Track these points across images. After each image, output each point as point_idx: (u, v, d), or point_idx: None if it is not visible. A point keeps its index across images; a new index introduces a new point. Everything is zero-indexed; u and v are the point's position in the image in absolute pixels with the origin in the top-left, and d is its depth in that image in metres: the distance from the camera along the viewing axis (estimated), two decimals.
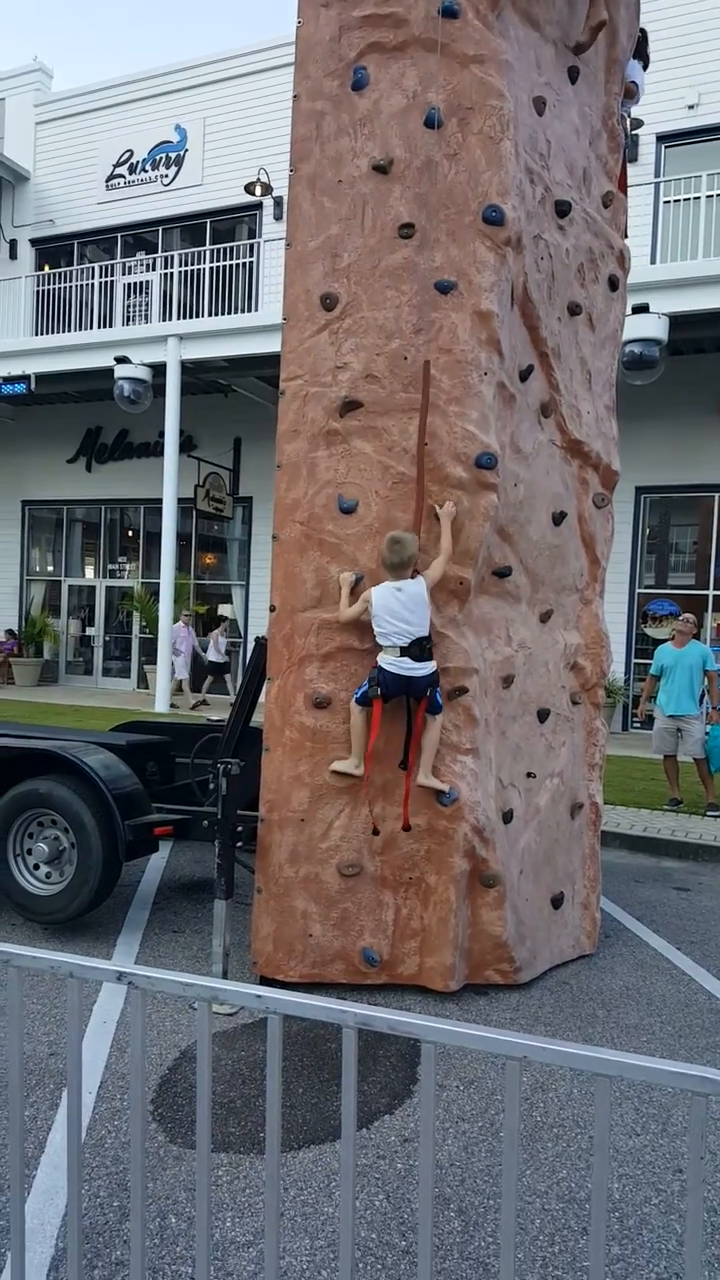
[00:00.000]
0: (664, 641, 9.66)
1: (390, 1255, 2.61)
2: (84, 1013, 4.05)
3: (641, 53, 5.89)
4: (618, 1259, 2.65)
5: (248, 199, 18.18)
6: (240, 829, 4.53)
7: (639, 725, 14.09)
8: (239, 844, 4.56)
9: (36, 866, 5.10)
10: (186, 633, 16.72)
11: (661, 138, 15.48)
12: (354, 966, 4.47)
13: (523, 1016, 4.35)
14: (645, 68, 6.06)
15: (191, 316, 18.06)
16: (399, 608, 4.28)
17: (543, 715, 5.08)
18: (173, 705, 15.52)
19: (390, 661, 4.30)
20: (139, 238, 20.35)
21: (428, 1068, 1.73)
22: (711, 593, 15.07)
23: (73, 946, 4.93)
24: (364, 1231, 2.70)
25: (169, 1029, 3.98)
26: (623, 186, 5.79)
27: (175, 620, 16.53)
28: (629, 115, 5.90)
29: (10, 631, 19.97)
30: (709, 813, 8.81)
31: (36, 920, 5.05)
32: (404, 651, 4.28)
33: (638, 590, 15.58)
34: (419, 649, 4.28)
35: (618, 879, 6.86)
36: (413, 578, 4.31)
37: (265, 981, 4.44)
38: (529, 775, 4.96)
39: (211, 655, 16.77)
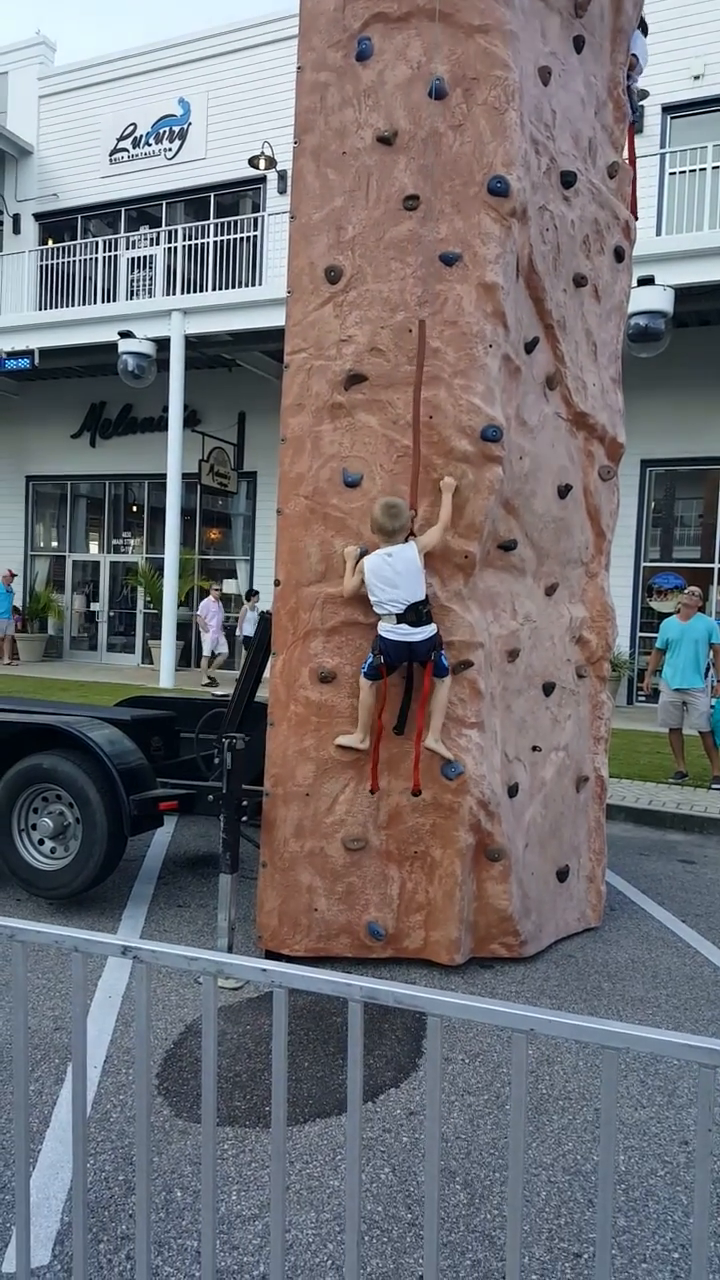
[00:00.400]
0: (669, 615, 9.62)
1: (396, 1228, 2.62)
2: (89, 987, 4.07)
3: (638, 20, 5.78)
4: (624, 1230, 2.66)
5: (251, 172, 17.96)
6: (245, 804, 4.53)
7: (644, 699, 14.07)
8: (244, 819, 4.55)
9: (41, 841, 5.11)
10: (216, 607, 16.71)
11: (667, 108, 15.27)
12: (359, 941, 4.48)
13: (528, 990, 4.35)
14: (645, 34, 5.94)
15: (195, 291, 17.91)
16: (391, 574, 4.26)
17: (548, 689, 5.05)
18: (210, 680, 15.53)
19: (389, 629, 4.29)
20: (143, 212, 20.17)
21: (433, 1041, 1.72)
22: (717, 566, 15.01)
23: (78, 921, 4.94)
24: (370, 1204, 2.71)
25: (174, 1003, 3.99)
26: (631, 161, 5.71)
27: (205, 596, 16.78)
28: (635, 87, 5.80)
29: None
30: (714, 786, 8.81)
31: (41, 895, 5.06)
32: (400, 618, 4.27)
33: (643, 564, 15.51)
34: (415, 614, 4.26)
35: (623, 852, 6.86)
36: (405, 543, 4.29)
37: (270, 956, 4.45)
38: (534, 749, 4.94)
39: (248, 630, 16.73)
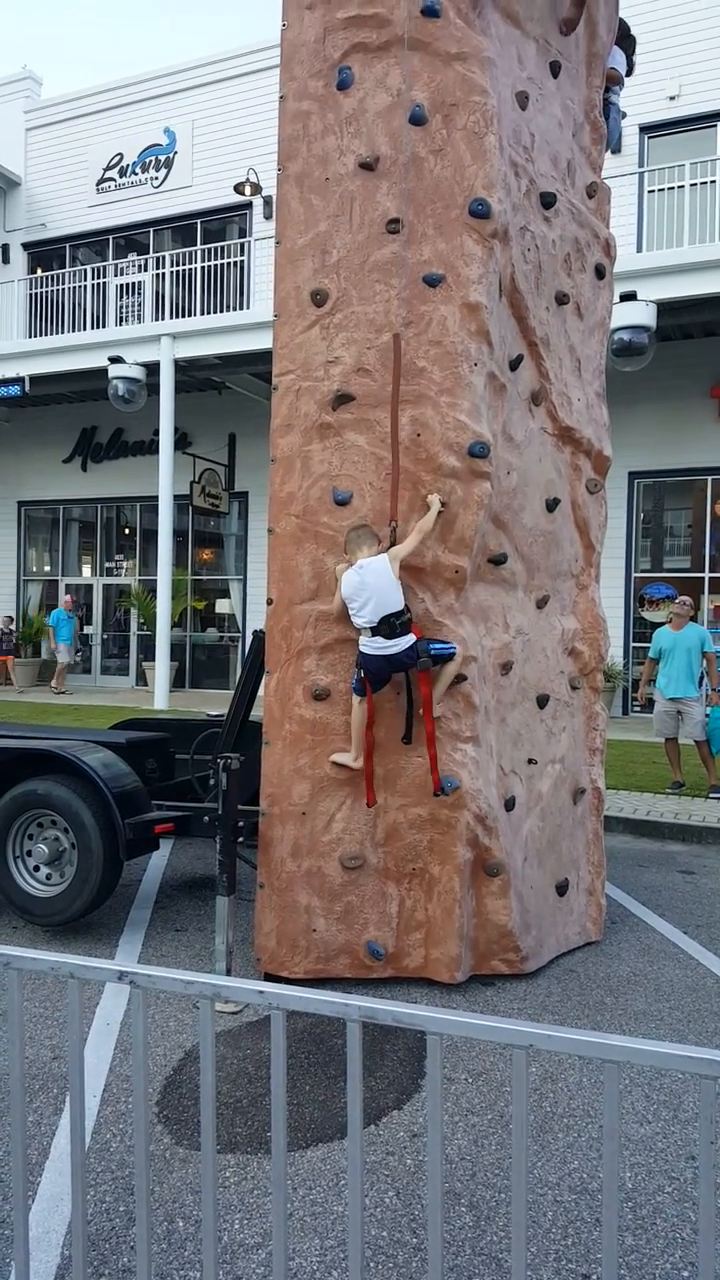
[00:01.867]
0: (662, 624, 9.64)
1: (402, 1253, 2.59)
2: (86, 1015, 4.04)
3: (626, 35, 5.88)
4: (631, 1249, 2.63)
5: (237, 199, 18.16)
6: (241, 824, 4.51)
7: (639, 709, 14.09)
8: (240, 839, 4.53)
9: (37, 868, 5.08)
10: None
11: (644, 128, 15.52)
12: (359, 960, 4.45)
13: (530, 1006, 4.33)
14: (633, 50, 6.04)
15: (184, 315, 18.04)
16: (360, 584, 4.26)
17: (542, 701, 5.05)
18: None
19: (366, 643, 4.29)
20: (130, 239, 20.33)
21: (434, 1059, 1.70)
22: (708, 575, 15.08)
23: (74, 948, 4.91)
24: (374, 1230, 2.68)
25: (173, 1029, 3.95)
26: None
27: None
28: (618, 100, 5.89)
29: (9, 617, 19.90)
30: (711, 795, 8.79)
31: (37, 922, 5.03)
32: (375, 631, 4.26)
33: (634, 575, 15.58)
34: (388, 626, 4.25)
35: (622, 864, 6.84)
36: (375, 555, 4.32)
37: (270, 978, 4.42)
38: (530, 761, 4.94)
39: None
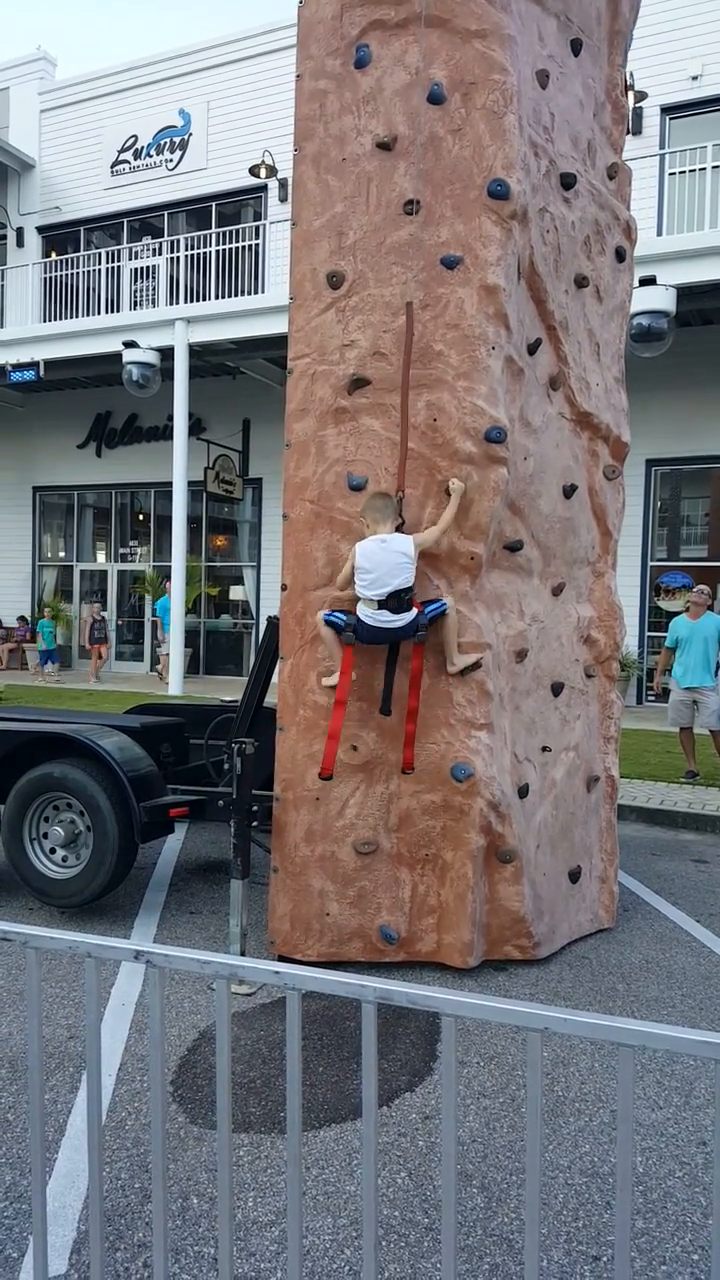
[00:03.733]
0: (678, 614, 9.59)
1: (414, 1232, 2.61)
2: (103, 996, 4.07)
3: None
4: (642, 1233, 2.64)
5: (252, 181, 18.05)
6: (255, 809, 4.52)
7: (654, 698, 14.04)
8: (254, 824, 4.55)
9: (53, 850, 5.12)
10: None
11: (666, 109, 15.32)
12: (372, 944, 4.47)
13: (542, 991, 4.34)
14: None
15: (198, 300, 17.99)
16: (382, 558, 4.24)
17: (557, 689, 5.04)
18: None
19: (369, 614, 4.29)
20: (145, 222, 20.26)
21: (448, 1041, 1.71)
22: None
23: (90, 929, 4.95)
24: (386, 1209, 2.70)
25: (188, 1010, 3.99)
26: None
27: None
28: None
29: (23, 618, 20.02)
30: None
31: (53, 904, 5.07)
32: (382, 604, 4.26)
33: (650, 563, 15.49)
34: (397, 601, 4.25)
35: (635, 852, 6.84)
36: (403, 535, 4.32)
37: (283, 961, 4.44)
38: (544, 749, 4.93)
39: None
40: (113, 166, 20.21)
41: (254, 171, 17.58)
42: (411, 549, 4.26)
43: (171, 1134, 3.05)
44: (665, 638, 9.55)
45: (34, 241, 21.28)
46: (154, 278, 18.99)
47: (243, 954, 4.31)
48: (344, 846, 4.45)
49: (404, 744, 4.40)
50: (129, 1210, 2.65)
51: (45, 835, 5.13)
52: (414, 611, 4.30)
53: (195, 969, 1.85)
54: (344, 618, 4.36)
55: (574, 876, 5.02)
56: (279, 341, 13.03)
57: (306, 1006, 3.98)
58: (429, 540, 4.32)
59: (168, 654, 16.56)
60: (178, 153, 19.48)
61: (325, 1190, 2.78)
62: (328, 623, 4.39)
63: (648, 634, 15.24)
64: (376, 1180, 1.77)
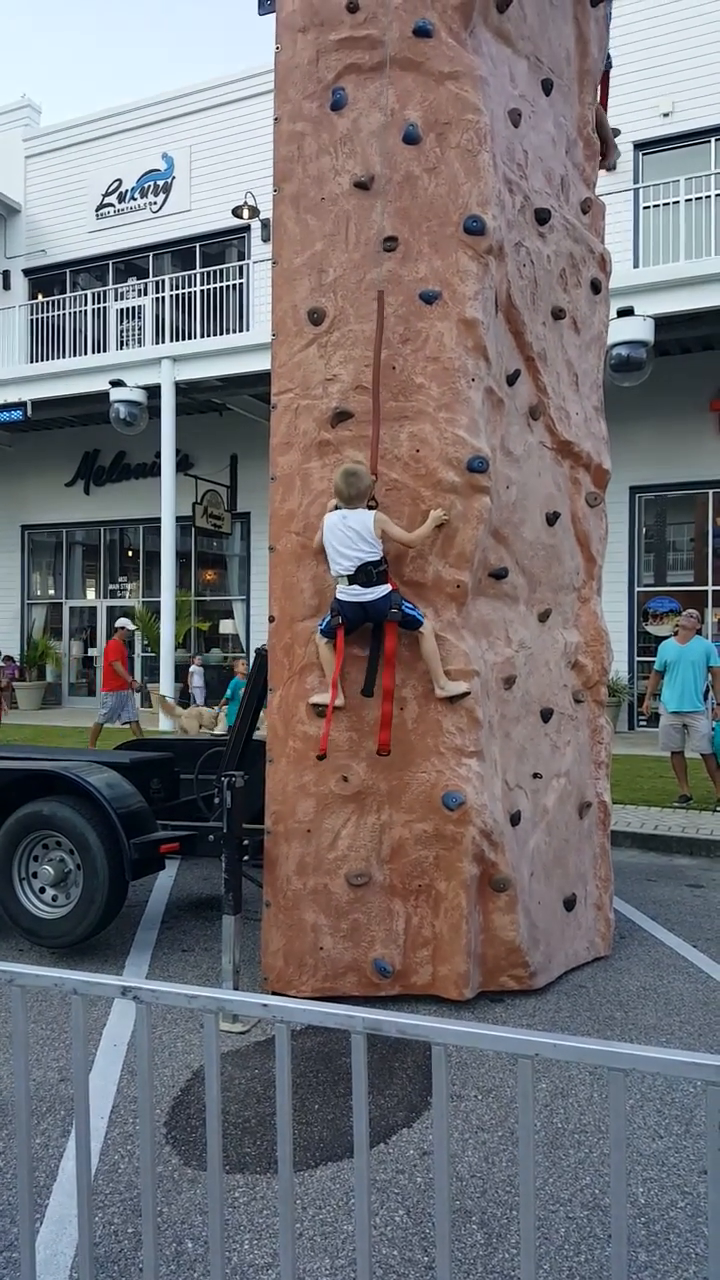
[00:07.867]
0: (666, 638, 9.63)
1: (413, 1272, 2.56)
2: (93, 1037, 4.02)
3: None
4: (645, 1265, 2.60)
5: (235, 222, 18.32)
6: (246, 842, 4.50)
7: (645, 723, 14.06)
8: (246, 858, 4.52)
9: (42, 890, 5.06)
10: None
11: (639, 145, 15.65)
12: (366, 978, 4.43)
13: (539, 1022, 4.30)
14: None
15: (184, 338, 18.15)
16: (344, 533, 4.31)
17: (546, 715, 5.05)
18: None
19: (343, 590, 4.34)
20: (130, 264, 20.51)
21: (439, 1071, 1.69)
22: (711, 588, 15.07)
23: (81, 969, 4.84)
24: (385, 1248, 2.65)
25: (180, 1050, 3.93)
26: (604, 99, 5.85)
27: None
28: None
29: (9, 658, 19.93)
30: (719, 808, 8.75)
31: (44, 944, 5.01)
32: (351, 579, 4.30)
33: (637, 589, 15.58)
34: (365, 575, 4.30)
35: (630, 878, 6.81)
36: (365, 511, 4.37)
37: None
38: (535, 776, 4.92)
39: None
40: (98, 210, 20.50)
41: (236, 212, 17.84)
42: (371, 525, 4.30)
43: (165, 1176, 3.00)
44: (654, 662, 9.57)
45: (20, 284, 21.50)
46: (140, 318, 19.20)
47: (235, 990, 4.26)
48: (336, 879, 4.42)
49: (379, 725, 4.40)
50: (122, 1256, 2.60)
51: (35, 875, 5.08)
52: (387, 587, 4.34)
53: (183, 1004, 1.83)
54: (329, 617, 4.43)
55: (569, 904, 4.99)
56: (264, 378, 13.13)
57: (301, 1044, 3.94)
58: (397, 535, 4.37)
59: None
60: (161, 195, 19.78)
61: (323, 1230, 2.73)
62: (325, 633, 4.43)
63: (637, 659, 15.28)
64: (374, 1219, 1.74)
